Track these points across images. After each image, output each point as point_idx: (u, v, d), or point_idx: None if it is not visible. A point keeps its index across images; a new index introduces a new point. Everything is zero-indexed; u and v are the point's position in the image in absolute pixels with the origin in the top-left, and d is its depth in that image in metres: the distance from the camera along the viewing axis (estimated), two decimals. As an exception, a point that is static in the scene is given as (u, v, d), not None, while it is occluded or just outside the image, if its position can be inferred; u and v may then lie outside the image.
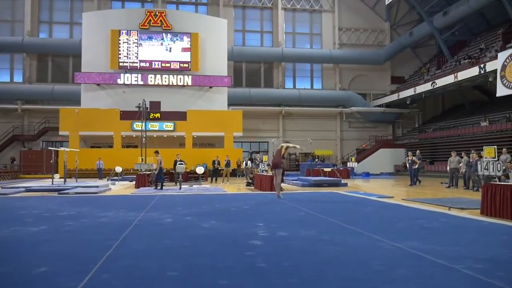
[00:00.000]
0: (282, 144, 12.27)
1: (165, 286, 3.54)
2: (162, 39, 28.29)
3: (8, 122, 29.98)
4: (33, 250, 4.95)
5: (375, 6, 34.80)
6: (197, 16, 30.59)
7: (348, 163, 27.40)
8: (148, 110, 24.81)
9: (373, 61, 33.90)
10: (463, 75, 24.34)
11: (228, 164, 21.74)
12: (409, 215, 7.95)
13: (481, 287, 3.51)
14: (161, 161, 15.47)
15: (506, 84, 20.72)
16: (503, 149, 13.47)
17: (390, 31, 35.36)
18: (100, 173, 23.85)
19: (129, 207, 9.25)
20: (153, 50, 28.23)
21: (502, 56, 21.08)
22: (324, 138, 32.61)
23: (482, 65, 22.81)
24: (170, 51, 28.27)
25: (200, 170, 17.23)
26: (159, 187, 15.23)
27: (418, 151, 19.07)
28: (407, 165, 17.91)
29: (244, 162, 23.36)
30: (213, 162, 21.36)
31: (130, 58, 27.92)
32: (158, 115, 27.15)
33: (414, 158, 17.28)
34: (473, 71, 23.51)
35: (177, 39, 28.29)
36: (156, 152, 16.07)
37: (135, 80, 27.67)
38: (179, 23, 28.66)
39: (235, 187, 17.81)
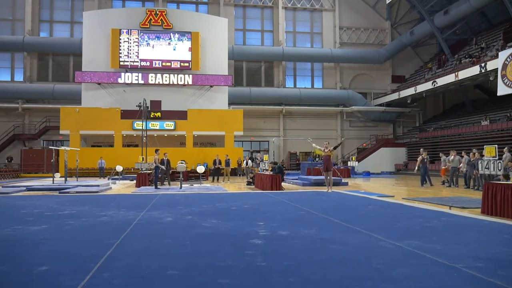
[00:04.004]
0: (325, 150, 13.05)
1: (166, 285, 3.54)
2: (162, 38, 28.28)
3: (9, 121, 30.00)
4: (34, 249, 4.96)
5: (375, 5, 34.75)
6: (197, 15, 30.58)
7: (349, 162, 27.40)
8: (149, 109, 24.85)
9: (373, 60, 33.87)
10: (464, 74, 24.31)
11: (228, 163, 21.77)
12: (409, 214, 7.95)
13: (482, 286, 3.51)
14: (156, 161, 15.44)
15: (507, 83, 20.70)
16: (505, 148, 13.43)
17: (391, 30, 35.33)
18: (102, 172, 23.89)
19: (130, 206, 9.26)
20: (154, 50, 28.22)
21: (503, 55, 21.06)
22: (325, 137, 32.41)
23: (483, 64, 22.79)
24: (174, 50, 28.27)
25: (200, 169, 17.22)
26: (159, 186, 15.24)
27: (421, 149, 18.62)
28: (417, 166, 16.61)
29: (245, 161, 23.39)
30: (214, 161, 21.37)
31: (130, 57, 27.93)
32: (158, 114, 27.18)
33: (428, 157, 16.72)
34: (474, 70, 23.48)
35: (185, 39, 28.25)
36: (156, 150, 16.05)
37: (135, 79, 27.68)
38: (180, 22, 28.66)
39: (236, 186, 17.82)
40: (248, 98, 31.55)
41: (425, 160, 16.26)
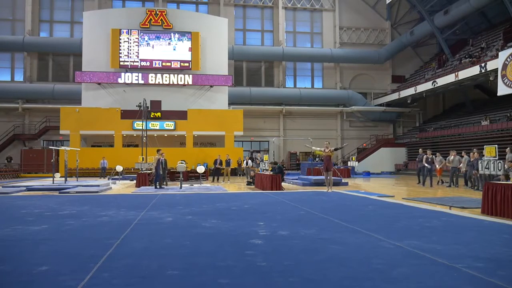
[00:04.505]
0: (326, 150, 13.13)
1: (166, 285, 3.54)
2: (162, 38, 28.28)
3: (9, 121, 30.00)
4: (34, 249, 4.96)
5: (375, 5, 34.75)
6: (197, 15, 30.58)
7: (349, 162, 27.41)
8: (149, 109, 24.85)
9: (373, 60, 33.86)
10: (464, 74, 24.30)
11: (228, 163, 21.78)
12: (409, 214, 7.95)
13: (482, 286, 3.51)
14: (155, 161, 15.37)
15: (507, 83, 20.70)
16: (507, 148, 13.42)
17: (391, 30, 35.32)
18: (103, 172, 23.89)
19: (130, 206, 9.26)
20: (154, 50, 28.21)
21: (503, 55, 21.06)
22: (325, 137, 32.52)
23: (483, 64, 22.78)
24: (174, 50, 28.28)
25: (200, 169, 17.22)
26: (158, 187, 15.20)
27: (420, 149, 18.72)
28: (425, 164, 16.28)
29: (245, 161, 23.39)
30: (215, 161, 21.38)
31: (130, 57, 27.93)
32: (158, 114, 27.17)
33: (434, 156, 16.55)
34: (474, 70, 23.48)
35: (185, 39, 28.26)
36: (158, 150, 15.98)
37: (135, 79, 27.68)
38: (180, 22, 28.65)
39: (236, 186, 17.82)
40: (248, 98, 31.55)
41: (430, 159, 16.21)
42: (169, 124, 27.16)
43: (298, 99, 32.67)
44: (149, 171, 17.49)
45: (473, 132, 24.62)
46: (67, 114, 26.45)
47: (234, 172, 26.43)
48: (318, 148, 14.89)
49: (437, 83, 26.75)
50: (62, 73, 31.40)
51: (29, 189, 14.57)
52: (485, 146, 9.28)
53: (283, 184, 15.50)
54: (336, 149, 14.98)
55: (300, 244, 5.16)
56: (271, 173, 15.31)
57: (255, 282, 3.61)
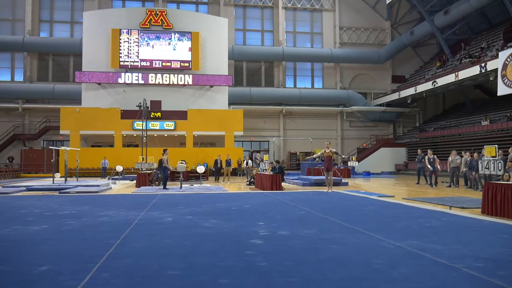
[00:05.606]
0: (327, 150, 13.37)
1: (166, 285, 3.54)
2: (162, 38, 28.28)
3: (9, 121, 30.01)
4: (34, 249, 4.96)
5: (375, 5, 34.76)
6: (197, 15, 30.59)
7: (349, 162, 27.40)
8: (149, 109, 24.85)
9: (373, 60, 33.87)
10: (464, 74, 24.31)
11: (228, 163, 21.78)
12: (409, 214, 7.94)
13: (482, 286, 3.51)
14: (165, 161, 15.35)
15: (507, 83, 20.71)
16: (510, 148, 13.40)
17: (391, 30, 35.34)
18: (104, 172, 23.90)
19: (130, 206, 9.26)
20: (154, 50, 28.22)
21: (503, 55, 21.06)
22: (325, 137, 32.53)
23: (483, 64, 22.79)
24: (174, 50, 28.28)
25: (200, 169, 17.21)
26: (164, 187, 15.15)
27: (419, 150, 18.82)
28: (427, 164, 16.16)
29: (245, 161, 23.38)
30: (215, 161, 21.39)
31: (130, 57, 27.93)
32: (158, 114, 27.18)
33: (435, 156, 16.43)
34: (474, 70, 23.49)
35: (185, 39, 28.27)
36: (164, 150, 15.91)
37: (135, 79, 27.68)
38: (180, 22, 28.66)
39: (236, 186, 17.82)
40: (248, 98, 31.56)
41: (431, 159, 16.14)
42: (169, 124, 27.16)
43: (298, 99, 32.67)
44: (149, 171, 17.48)
45: (473, 132, 24.62)
46: (67, 114, 26.46)
47: (234, 172, 26.44)
48: (319, 153, 14.86)
49: (437, 83, 26.75)
50: (62, 73, 31.40)
51: (29, 189, 14.56)
52: (485, 146, 9.26)
53: (283, 184, 15.50)
54: (336, 153, 14.88)
55: (300, 244, 5.16)
56: (271, 173, 15.31)
57: (255, 282, 3.61)
